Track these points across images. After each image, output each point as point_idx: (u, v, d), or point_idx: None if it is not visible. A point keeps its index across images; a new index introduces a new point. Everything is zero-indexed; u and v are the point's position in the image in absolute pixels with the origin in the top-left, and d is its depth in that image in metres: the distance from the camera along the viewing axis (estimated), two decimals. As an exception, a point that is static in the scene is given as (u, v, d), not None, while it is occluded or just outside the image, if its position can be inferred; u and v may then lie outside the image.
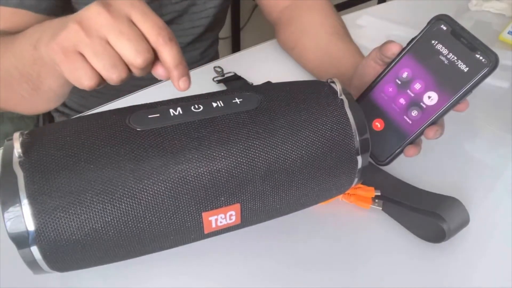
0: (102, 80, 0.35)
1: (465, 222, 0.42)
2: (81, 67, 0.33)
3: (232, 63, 0.66)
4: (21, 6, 0.49)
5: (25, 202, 0.29)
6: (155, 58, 0.35)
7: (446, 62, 0.43)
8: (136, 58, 0.33)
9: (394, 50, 0.45)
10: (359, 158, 0.38)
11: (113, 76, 0.34)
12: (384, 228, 0.44)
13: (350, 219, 0.45)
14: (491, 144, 0.56)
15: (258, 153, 0.34)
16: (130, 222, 0.32)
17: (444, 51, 0.43)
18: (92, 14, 0.33)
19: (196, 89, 0.37)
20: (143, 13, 0.33)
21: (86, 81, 0.34)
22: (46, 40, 0.37)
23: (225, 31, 1.65)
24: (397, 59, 0.46)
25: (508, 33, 0.75)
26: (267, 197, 0.36)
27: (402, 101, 0.45)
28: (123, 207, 0.31)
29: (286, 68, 0.67)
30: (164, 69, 0.36)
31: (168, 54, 0.34)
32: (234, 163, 0.34)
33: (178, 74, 0.34)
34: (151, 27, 0.33)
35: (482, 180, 0.50)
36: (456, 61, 0.42)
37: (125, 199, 0.31)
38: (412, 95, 0.44)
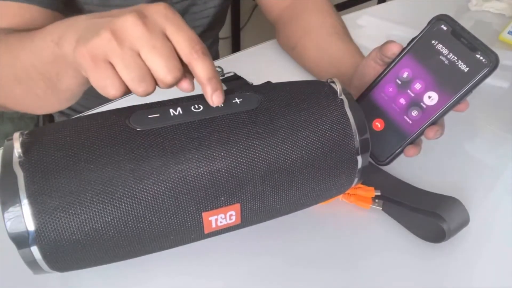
0: (127, 91, 0.34)
1: (465, 222, 0.42)
2: (110, 76, 0.33)
3: (232, 63, 0.66)
4: (28, 1, 0.49)
5: (25, 202, 0.29)
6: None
7: (446, 62, 0.43)
8: (166, 75, 0.33)
9: (394, 50, 0.45)
10: (359, 158, 0.38)
11: (139, 89, 0.33)
12: (384, 228, 0.44)
13: (350, 219, 0.45)
14: (491, 144, 0.56)
15: (258, 153, 0.34)
16: (130, 222, 0.32)
17: (444, 51, 0.43)
18: (127, 24, 0.32)
19: (196, 89, 0.36)
20: (178, 26, 0.33)
21: (112, 91, 0.33)
22: (71, 40, 0.36)
23: (225, 31, 1.65)
24: (397, 59, 0.46)
25: (508, 33, 0.75)
26: (267, 197, 0.36)
27: (402, 101, 0.45)
28: (123, 207, 0.31)
29: (286, 68, 0.67)
30: (189, 84, 0.36)
31: (201, 68, 0.33)
32: (234, 163, 0.34)
33: (211, 88, 0.34)
34: (186, 41, 0.33)
35: (482, 180, 0.50)
36: (456, 61, 0.42)
37: (125, 199, 0.31)
38: (412, 95, 0.45)
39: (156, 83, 0.34)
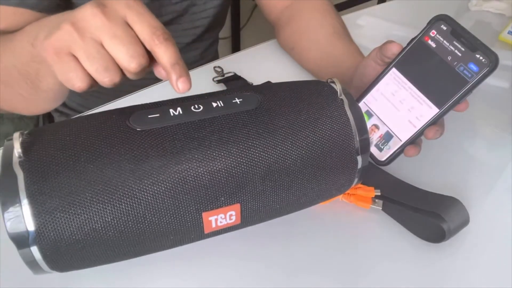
0: (94, 82, 0.34)
1: (465, 222, 0.42)
2: (73, 69, 0.33)
3: (232, 63, 0.66)
4: (22, 5, 0.49)
5: (25, 202, 0.29)
6: (153, 59, 0.34)
7: (446, 62, 0.43)
8: (130, 63, 0.33)
9: (394, 50, 0.45)
10: (359, 158, 0.38)
11: (105, 79, 0.33)
12: (384, 228, 0.44)
13: (350, 219, 0.45)
14: (491, 144, 0.56)
15: (258, 153, 0.34)
16: (130, 222, 0.32)
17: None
18: (86, 15, 0.32)
19: (196, 89, 0.36)
20: (138, 13, 0.33)
21: (77, 83, 0.33)
22: (41, 38, 0.36)
23: (225, 31, 1.65)
24: (397, 59, 0.46)
25: (508, 33, 0.75)
26: (267, 197, 0.36)
27: (402, 101, 0.45)
28: (123, 207, 0.31)
29: (286, 68, 0.67)
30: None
31: (164, 54, 0.33)
32: (234, 163, 0.34)
33: (175, 74, 0.33)
34: (146, 27, 0.33)
35: (482, 180, 0.50)
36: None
37: (125, 199, 0.31)
38: (412, 95, 0.45)
39: (122, 73, 0.34)
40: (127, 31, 0.32)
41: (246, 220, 0.37)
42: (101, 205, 0.31)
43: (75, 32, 0.32)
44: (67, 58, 0.33)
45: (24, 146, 0.31)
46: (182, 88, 0.34)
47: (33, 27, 0.41)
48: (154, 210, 0.32)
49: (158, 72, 0.36)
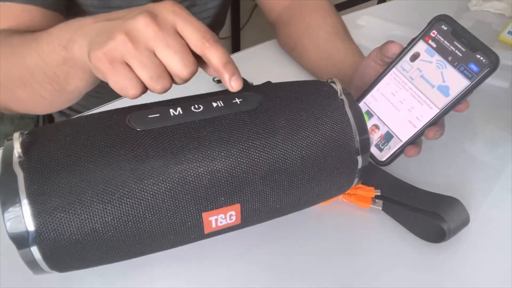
0: (145, 90, 0.35)
1: (465, 222, 0.42)
2: (128, 78, 0.34)
3: (232, 63, 0.65)
4: (31, 2, 0.49)
5: (25, 202, 0.29)
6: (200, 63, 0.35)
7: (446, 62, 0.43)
8: (182, 71, 0.34)
9: (394, 50, 0.45)
10: (359, 158, 0.38)
11: (157, 87, 0.34)
12: (384, 228, 0.44)
13: (350, 219, 0.45)
14: (491, 144, 0.56)
15: (258, 153, 0.34)
16: (130, 222, 0.32)
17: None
18: (140, 26, 0.33)
19: (196, 89, 0.37)
20: (186, 20, 0.34)
21: (131, 91, 0.34)
22: (81, 43, 0.37)
23: (225, 31, 1.65)
24: (398, 60, 0.46)
25: (508, 33, 0.75)
26: (267, 197, 0.36)
27: (402, 101, 0.45)
28: (123, 207, 0.31)
29: (286, 68, 0.67)
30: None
31: (215, 55, 0.34)
32: (234, 163, 0.34)
33: (228, 73, 0.35)
34: (196, 32, 0.34)
35: (482, 180, 0.50)
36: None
37: (125, 199, 0.31)
38: (412, 95, 0.45)
39: (172, 79, 0.35)
40: (179, 40, 0.34)
41: (246, 220, 0.37)
42: (101, 205, 0.31)
43: (129, 42, 0.33)
44: (122, 67, 0.34)
45: (24, 146, 0.31)
46: (235, 86, 0.35)
47: (62, 29, 0.41)
48: (154, 210, 0.32)
49: (210, 73, 0.37)
